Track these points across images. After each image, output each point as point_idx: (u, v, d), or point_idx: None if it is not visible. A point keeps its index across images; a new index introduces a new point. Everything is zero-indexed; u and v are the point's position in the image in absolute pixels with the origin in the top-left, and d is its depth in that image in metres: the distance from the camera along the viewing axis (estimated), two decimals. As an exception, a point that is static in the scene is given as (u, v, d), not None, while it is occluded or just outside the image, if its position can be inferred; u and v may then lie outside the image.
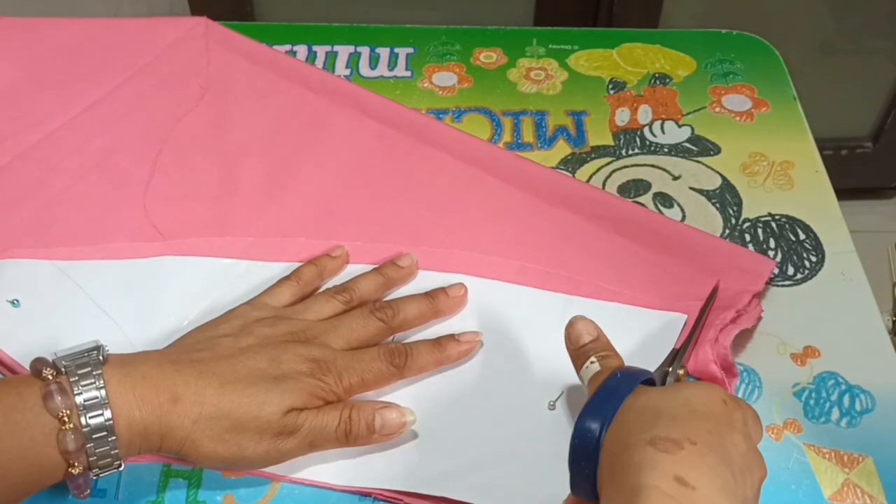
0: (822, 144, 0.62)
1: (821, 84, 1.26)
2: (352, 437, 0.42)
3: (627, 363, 0.41)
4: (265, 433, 0.41)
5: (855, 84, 1.31)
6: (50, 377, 0.38)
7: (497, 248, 0.53)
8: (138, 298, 0.50)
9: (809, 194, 0.58)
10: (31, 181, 0.56)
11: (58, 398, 0.37)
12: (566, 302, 0.50)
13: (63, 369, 0.38)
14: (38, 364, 0.38)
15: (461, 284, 0.50)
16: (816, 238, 0.55)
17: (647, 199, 0.58)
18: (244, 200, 0.56)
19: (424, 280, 0.52)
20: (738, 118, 0.64)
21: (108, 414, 0.37)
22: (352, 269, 0.52)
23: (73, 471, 0.37)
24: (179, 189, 0.56)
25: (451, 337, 0.48)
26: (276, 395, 0.41)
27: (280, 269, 0.51)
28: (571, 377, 0.43)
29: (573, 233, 0.54)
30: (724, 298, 0.50)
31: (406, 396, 0.46)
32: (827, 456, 0.44)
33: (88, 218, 0.54)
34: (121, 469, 0.39)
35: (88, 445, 0.37)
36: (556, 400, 0.45)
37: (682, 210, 0.57)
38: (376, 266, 0.51)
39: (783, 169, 0.60)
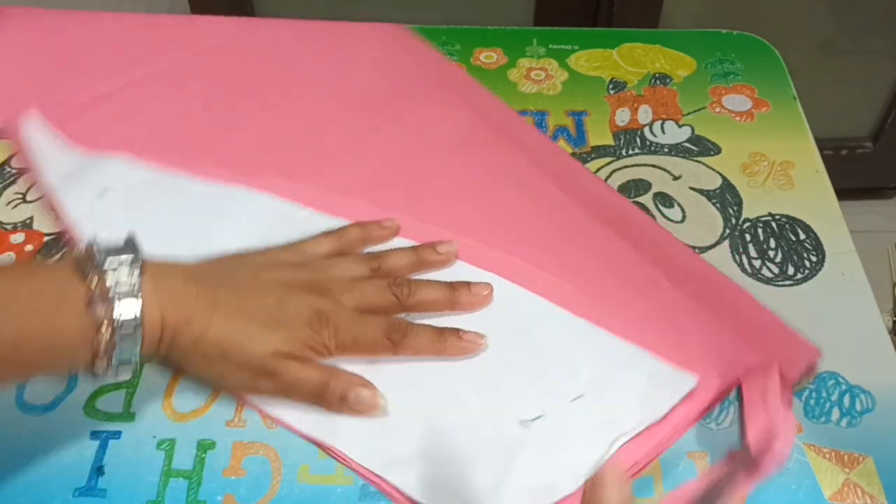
0: (822, 144, 0.62)
1: (821, 84, 1.26)
2: (323, 402, 0.45)
3: (616, 404, 0.44)
4: (246, 367, 0.44)
5: (855, 84, 1.31)
6: (93, 285, 0.39)
7: (546, 262, 0.52)
8: (204, 219, 0.54)
9: (810, 194, 0.58)
10: (137, 105, 0.62)
11: (100, 308, 0.39)
12: (584, 329, 0.49)
13: (105, 274, 0.40)
14: (84, 263, 0.40)
15: (487, 284, 0.50)
16: (817, 238, 0.55)
17: (647, 199, 0.58)
18: (320, 152, 0.59)
19: (458, 270, 0.52)
20: (738, 118, 0.64)
21: (139, 323, 0.40)
22: (396, 243, 0.53)
23: (96, 365, 0.40)
24: (263, 131, 0.61)
25: (455, 331, 0.47)
26: (269, 335, 0.44)
27: (336, 224, 0.53)
28: (556, 403, 0.45)
29: (629, 269, 0.52)
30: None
31: (391, 375, 0.46)
32: (827, 456, 0.44)
33: (180, 138, 0.60)
34: (135, 369, 0.42)
35: (114, 350, 0.40)
36: (533, 420, 0.45)
37: (683, 210, 0.57)
38: (416, 245, 0.52)
39: (783, 169, 0.60)
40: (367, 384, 0.45)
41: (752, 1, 1.18)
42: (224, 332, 0.43)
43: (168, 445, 0.44)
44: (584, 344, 0.47)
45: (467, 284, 0.49)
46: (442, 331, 0.47)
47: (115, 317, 0.39)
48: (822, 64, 1.28)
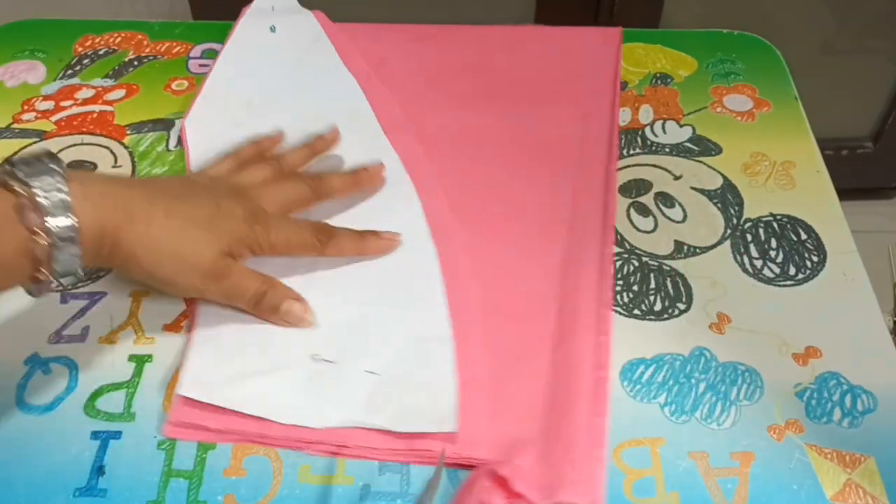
0: (823, 144, 0.62)
1: (822, 84, 1.26)
2: (259, 309, 0.48)
3: (389, 389, 0.45)
4: (197, 270, 0.46)
5: (856, 84, 1.31)
6: (20, 191, 0.40)
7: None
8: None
9: (811, 194, 0.58)
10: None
11: (33, 219, 0.39)
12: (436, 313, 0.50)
13: (31, 184, 0.40)
14: (6, 178, 0.40)
15: (381, 164, 0.57)
16: (818, 238, 0.55)
17: (648, 198, 0.58)
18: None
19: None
20: (739, 118, 0.64)
21: (74, 224, 0.40)
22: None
23: (39, 276, 0.40)
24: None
25: (374, 232, 0.52)
26: (215, 236, 0.46)
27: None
28: (353, 363, 0.47)
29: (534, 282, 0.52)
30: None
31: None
32: (829, 456, 0.44)
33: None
34: (80, 276, 0.42)
35: (55, 253, 0.40)
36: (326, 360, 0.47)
37: (684, 210, 0.57)
38: (306, 142, 0.58)
39: (784, 169, 0.60)
40: (299, 298, 0.49)
41: (753, 1, 1.18)
42: (172, 231, 0.45)
43: (168, 445, 0.44)
44: (421, 327, 0.49)
45: (364, 167, 0.56)
46: (361, 233, 0.52)
47: (48, 226, 0.40)
48: (823, 64, 1.28)
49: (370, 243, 0.52)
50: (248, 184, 0.51)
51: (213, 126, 0.62)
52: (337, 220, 0.53)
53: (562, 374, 0.46)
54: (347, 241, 0.51)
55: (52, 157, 0.42)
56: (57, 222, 0.40)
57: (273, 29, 0.69)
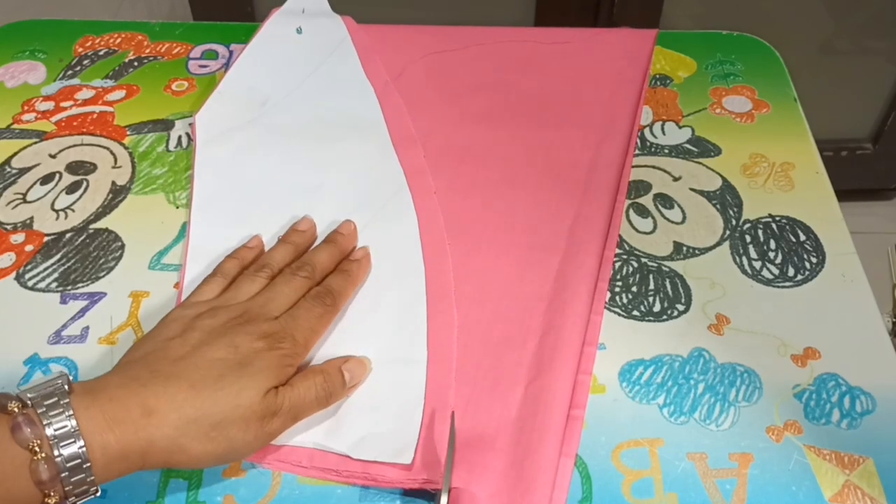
0: (822, 146, 0.62)
1: (821, 85, 1.26)
2: (332, 398, 0.45)
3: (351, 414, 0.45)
4: (250, 420, 0.41)
5: (855, 85, 1.31)
6: (16, 409, 0.37)
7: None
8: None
9: (810, 195, 0.58)
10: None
11: (26, 430, 0.36)
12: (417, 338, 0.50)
13: (29, 402, 0.37)
14: (2, 399, 0.37)
15: (349, 221, 0.54)
16: (817, 239, 0.55)
17: (647, 199, 0.58)
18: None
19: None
20: (738, 119, 0.64)
21: (80, 442, 0.37)
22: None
23: (49, 501, 0.37)
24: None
25: (347, 260, 0.52)
26: (249, 380, 0.41)
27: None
28: None
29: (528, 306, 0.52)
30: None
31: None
32: (827, 457, 0.44)
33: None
34: (97, 495, 0.38)
35: (63, 475, 0.37)
36: None
37: (683, 211, 0.57)
38: (282, 237, 0.54)
39: (783, 170, 0.60)
40: (346, 359, 0.47)
41: (752, 2, 1.18)
42: (204, 401, 0.40)
43: (168, 446, 0.44)
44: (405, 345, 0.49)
45: (336, 231, 0.53)
46: (340, 267, 0.51)
47: (55, 453, 0.36)
48: (822, 65, 1.28)
49: (353, 271, 0.51)
50: (246, 302, 0.47)
51: (224, 123, 0.62)
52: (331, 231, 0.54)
53: (533, 408, 0.45)
54: (342, 283, 0.50)
55: (60, 374, 0.39)
56: (58, 439, 0.37)
57: (300, 31, 0.69)
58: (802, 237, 0.55)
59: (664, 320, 0.51)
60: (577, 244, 0.54)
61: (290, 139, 0.61)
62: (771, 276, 0.53)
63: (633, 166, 0.60)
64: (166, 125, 0.64)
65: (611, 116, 0.64)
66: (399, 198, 0.57)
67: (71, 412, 0.37)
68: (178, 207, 0.57)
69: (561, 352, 0.48)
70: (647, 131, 0.63)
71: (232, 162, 0.59)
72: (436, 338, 0.49)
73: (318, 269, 0.50)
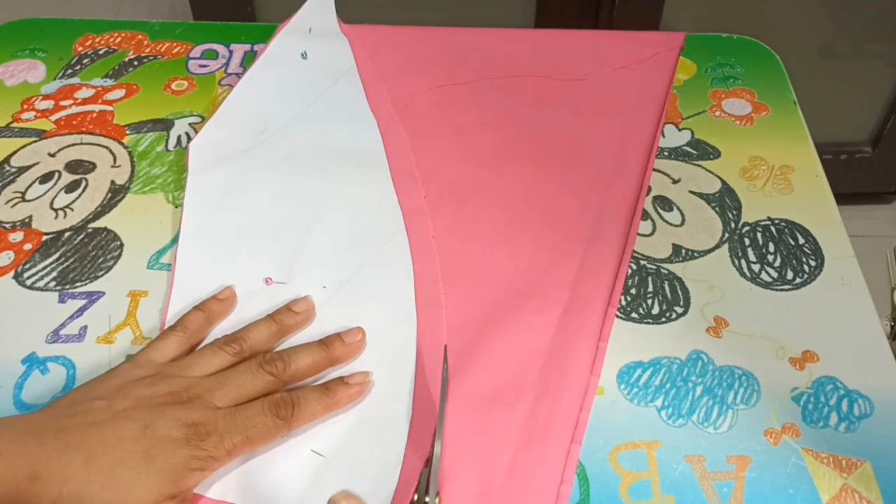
0: (821, 149, 0.62)
1: (820, 88, 1.26)
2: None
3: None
4: None
5: (854, 89, 1.31)
6: None
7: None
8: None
9: (809, 199, 0.58)
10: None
11: None
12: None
13: None
14: None
15: (358, 329, 0.48)
16: (816, 242, 0.55)
17: (647, 202, 0.58)
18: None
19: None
20: (738, 122, 0.64)
21: None
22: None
23: None
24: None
25: (340, 380, 0.45)
26: (145, 478, 0.38)
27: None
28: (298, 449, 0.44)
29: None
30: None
31: None
32: (825, 461, 0.44)
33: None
34: None
35: None
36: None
37: (682, 214, 0.57)
38: (271, 314, 0.49)
39: (783, 173, 0.60)
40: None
41: (752, 5, 1.18)
42: (91, 484, 0.37)
43: (166, 446, 0.44)
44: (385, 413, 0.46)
45: (339, 335, 0.47)
46: (327, 385, 0.45)
47: None
48: (821, 68, 1.28)
49: (340, 395, 0.45)
50: (196, 379, 0.43)
51: (220, 150, 0.59)
52: (323, 273, 0.52)
53: (527, 474, 0.43)
54: (315, 404, 0.44)
55: None
56: None
57: (305, 55, 0.66)
58: (801, 240, 0.55)
59: (663, 323, 0.51)
60: (581, 301, 0.51)
61: (287, 170, 0.59)
62: (770, 279, 0.53)
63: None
64: (166, 125, 0.64)
65: (623, 156, 0.61)
66: (396, 242, 0.54)
67: None
68: (177, 207, 0.57)
69: (555, 421, 0.45)
70: (646, 134, 0.63)
71: (224, 191, 0.57)
72: (422, 395, 0.46)
73: (291, 369, 0.45)
